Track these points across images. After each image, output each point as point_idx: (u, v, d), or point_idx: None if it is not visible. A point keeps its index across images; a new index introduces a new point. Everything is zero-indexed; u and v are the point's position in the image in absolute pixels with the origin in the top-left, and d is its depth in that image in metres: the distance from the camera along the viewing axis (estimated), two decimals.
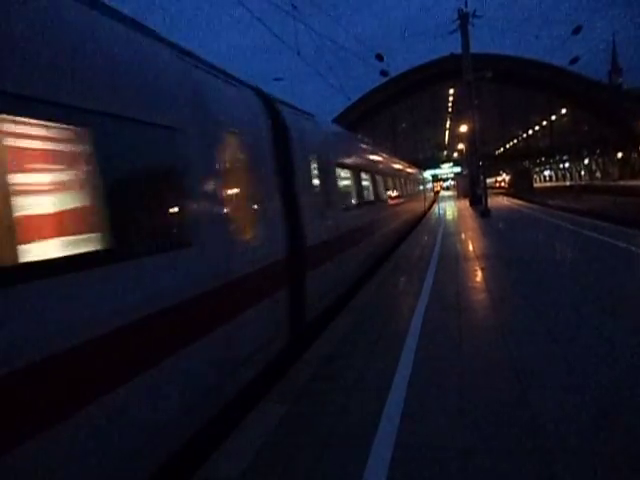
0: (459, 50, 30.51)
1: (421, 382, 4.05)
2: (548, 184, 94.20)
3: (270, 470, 3.01)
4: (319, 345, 5.40)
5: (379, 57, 23.84)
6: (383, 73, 25.74)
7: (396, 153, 24.72)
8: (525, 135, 70.20)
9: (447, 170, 68.14)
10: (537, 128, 67.52)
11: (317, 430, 3.43)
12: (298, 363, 4.89)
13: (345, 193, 8.54)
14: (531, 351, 4.49)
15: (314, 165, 6.59)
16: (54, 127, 2.33)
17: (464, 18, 28.87)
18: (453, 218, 24.17)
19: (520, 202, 32.04)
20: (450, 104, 54.53)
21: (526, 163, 77.67)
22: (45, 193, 2.34)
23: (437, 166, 67.87)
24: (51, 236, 2.31)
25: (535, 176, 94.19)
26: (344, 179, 8.54)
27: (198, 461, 3.29)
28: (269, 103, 5.37)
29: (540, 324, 5.29)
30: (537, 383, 3.79)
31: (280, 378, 4.54)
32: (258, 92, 5.21)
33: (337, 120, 54.10)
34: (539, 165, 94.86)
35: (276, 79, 27.22)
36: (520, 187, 60.38)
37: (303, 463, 3.03)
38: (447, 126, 66.40)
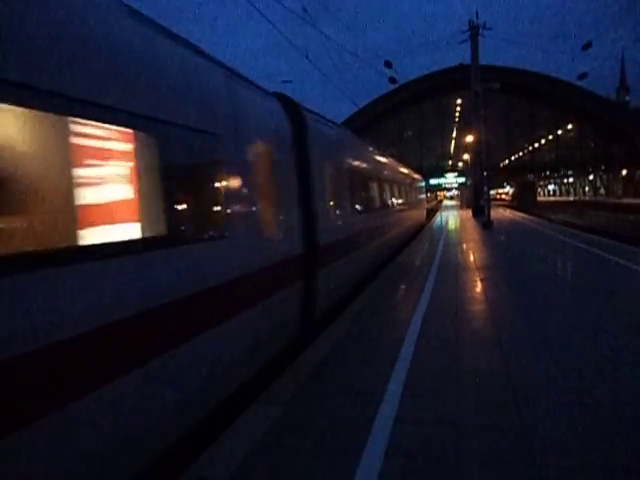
0: (468, 60, 30.62)
1: (415, 390, 4.03)
2: (552, 198, 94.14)
3: (260, 472, 2.99)
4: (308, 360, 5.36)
5: (388, 64, 23.89)
6: (391, 80, 25.78)
7: (401, 160, 22.81)
8: (530, 148, 70.20)
9: (452, 180, 68.09)
10: (543, 142, 67.52)
11: (309, 433, 3.40)
12: (292, 366, 4.86)
13: None
14: (530, 367, 4.46)
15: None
16: None
17: (474, 30, 28.97)
18: (455, 228, 24.14)
19: (523, 215, 32.00)
20: (457, 114, 54.60)
21: (530, 176, 77.63)
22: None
23: (442, 175, 67.84)
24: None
25: (539, 190, 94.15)
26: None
27: (188, 461, 3.26)
28: (295, 111, 6.11)
29: (537, 334, 5.26)
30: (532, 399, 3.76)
31: (273, 380, 4.52)
32: (285, 101, 6.08)
33: (344, 124, 54.05)
34: (543, 179, 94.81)
35: (285, 81, 27.25)
36: (524, 200, 60.31)
37: (294, 466, 3.00)
38: (453, 136, 66.42)
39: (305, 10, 11.44)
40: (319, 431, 3.43)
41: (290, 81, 29.00)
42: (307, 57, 12.85)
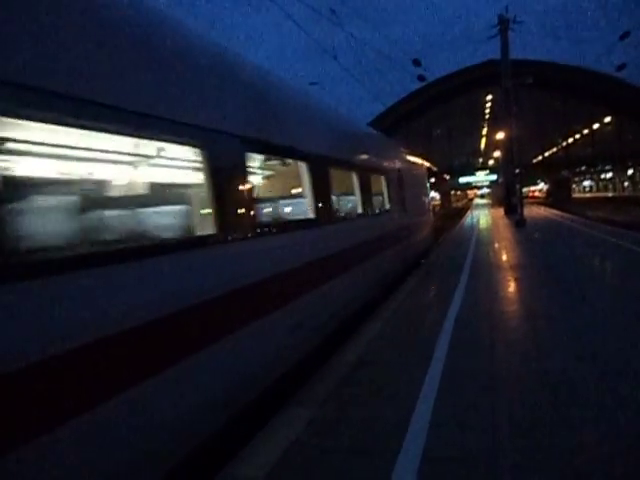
0: (498, 55, 29.97)
1: (449, 392, 3.98)
2: (588, 195, 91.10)
3: (294, 474, 3.02)
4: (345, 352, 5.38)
5: (416, 62, 23.65)
6: (420, 78, 25.50)
7: (429, 159, 19.93)
8: (565, 143, 68.12)
9: (483, 178, 66.78)
10: (578, 136, 65.41)
11: (343, 436, 3.41)
12: (324, 368, 4.89)
13: None
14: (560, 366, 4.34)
15: None
16: None
17: (504, 24, 28.35)
18: (487, 227, 23.73)
19: (557, 212, 31.12)
20: (487, 110, 53.56)
21: (565, 172, 75.30)
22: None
23: (472, 173, 66.64)
24: None
25: (574, 186, 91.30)
26: None
27: (222, 461, 3.32)
28: None
29: (574, 336, 5.11)
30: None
31: (305, 382, 4.54)
32: None
33: (371, 125, 53.81)
34: (579, 175, 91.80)
35: (311, 83, 27.37)
36: (558, 197, 58.74)
37: (328, 468, 3.02)
38: (483, 133, 65.18)
39: (333, 12, 11.47)
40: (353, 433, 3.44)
41: (316, 83, 29.15)
42: (335, 58, 12.89)
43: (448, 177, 68.32)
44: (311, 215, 5.58)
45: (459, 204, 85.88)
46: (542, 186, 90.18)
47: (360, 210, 7.67)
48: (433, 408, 3.67)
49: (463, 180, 65.87)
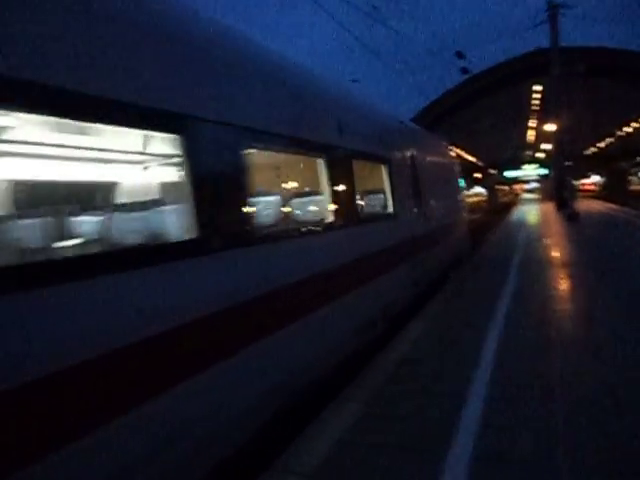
0: (546, 43, 28.71)
1: (499, 395, 3.88)
2: None
3: (344, 467, 3.04)
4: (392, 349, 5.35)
5: (459, 55, 23.02)
6: (463, 70, 24.80)
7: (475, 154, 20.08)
8: (621, 133, 64.45)
9: (531, 172, 64.18)
10: (636, 125, 61.70)
11: (392, 431, 3.40)
12: (372, 365, 4.88)
13: None
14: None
15: None
16: None
17: (553, 9, 27.14)
18: (537, 221, 22.93)
19: (613, 206, 29.56)
20: (535, 101, 51.50)
21: (623, 164, 71.17)
22: None
23: (518, 167, 64.26)
24: None
25: (631, 178, 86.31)
26: None
27: (273, 454, 3.38)
28: None
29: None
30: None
31: (354, 378, 4.55)
32: None
33: (414, 120, 52.93)
34: (636, 166, 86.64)
35: (353, 80, 27.23)
36: (613, 189, 55.86)
37: (378, 463, 3.02)
38: (530, 124, 62.72)
39: (374, 8, 11.37)
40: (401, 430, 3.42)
41: (358, 80, 28.87)
42: (377, 55, 12.80)
43: (494, 172, 66.24)
44: (196, 233, 2.96)
45: (505, 199, 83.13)
46: (596, 178, 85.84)
47: (331, 218, 4.95)
48: None
49: (509, 174, 63.65)
